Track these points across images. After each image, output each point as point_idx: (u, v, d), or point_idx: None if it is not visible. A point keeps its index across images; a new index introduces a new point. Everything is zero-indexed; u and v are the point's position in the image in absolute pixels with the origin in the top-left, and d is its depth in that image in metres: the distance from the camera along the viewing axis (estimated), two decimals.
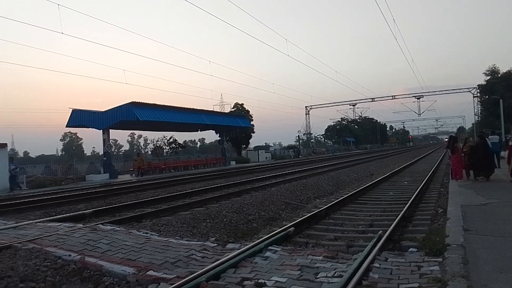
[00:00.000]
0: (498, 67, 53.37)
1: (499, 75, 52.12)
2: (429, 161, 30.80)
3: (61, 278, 5.07)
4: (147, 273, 4.85)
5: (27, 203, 14.08)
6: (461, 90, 60.76)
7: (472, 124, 69.89)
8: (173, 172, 32.42)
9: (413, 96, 63.82)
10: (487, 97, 53.40)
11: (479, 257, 4.66)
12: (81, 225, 8.29)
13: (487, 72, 53.91)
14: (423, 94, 62.73)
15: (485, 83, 54.54)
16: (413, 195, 11.29)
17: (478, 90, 57.11)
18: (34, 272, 5.12)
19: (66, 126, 31.31)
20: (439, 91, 63.22)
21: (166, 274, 4.80)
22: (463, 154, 13.78)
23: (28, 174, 26.54)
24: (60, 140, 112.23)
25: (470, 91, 58.92)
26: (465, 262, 4.48)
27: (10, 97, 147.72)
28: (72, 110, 30.12)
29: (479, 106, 59.36)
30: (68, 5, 38.08)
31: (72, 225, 8.35)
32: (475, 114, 60.52)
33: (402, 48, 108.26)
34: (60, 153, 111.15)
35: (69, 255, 5.68)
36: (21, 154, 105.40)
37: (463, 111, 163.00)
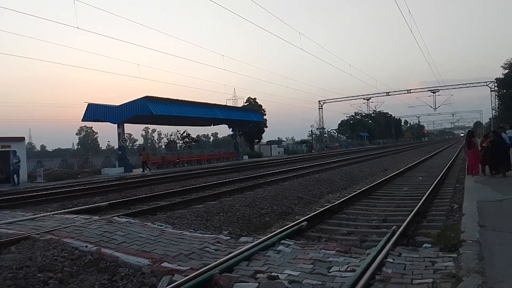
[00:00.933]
0: None
1: None
2: (445, 156, 30.37)
3: (78, 269, 5.18)
4: (161, 264, 4.93)
5: (44, 196, 14.39)
6: (478, 84, 59.55)
7: (490, 118, 68.56)
8: (187, 166, 32.67)
9: (429, 90, 62.79)
10: (505, 91, 52.25)
11: (495, 253, 4.60)
12: (97, 217, 8.45)
13: (505, 66, 52.63)
14: (439, 88, 61.68)
15: (503, 76, 53.29)
16: (428, 190, 11.17)
17: (496, 84, 55.89)
18: (52, 262, 5.25)
19: (82, 120, 31.82)
20: (456, 85, 62.12)
21: (180, 266, 4.86)
22: (480, 149, 13.55)
23: (45, 167, 27.02)
24: (76, 134, 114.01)
25: (487, 85, 57.74)
26: (481, 258, 4.43)
27: (27, 92, 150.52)
28: (88, 104, 30.53)
29: (496, 100, 58.11)
30: None
31: (88, 217, 8.52)
32: (492, 109, 59.30)
33: (417, 41, 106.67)
34: (76, 147, 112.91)
35: (86, 246, 5.80)
36: (38, 148, 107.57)
37: (480, 106, 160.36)
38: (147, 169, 28.47)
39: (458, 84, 61.97)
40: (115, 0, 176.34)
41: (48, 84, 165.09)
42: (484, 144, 13.43)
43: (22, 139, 24.73)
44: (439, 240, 5.97)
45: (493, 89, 56.86)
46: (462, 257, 4.59)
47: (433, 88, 62.06)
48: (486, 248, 4.81)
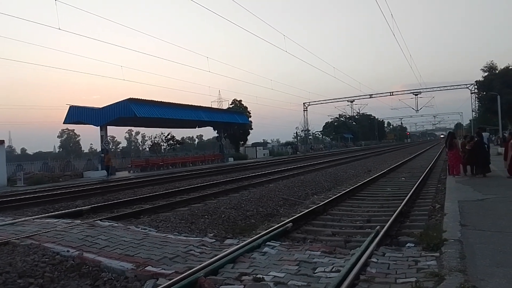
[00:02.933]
0: (496, 64, 53.37)
1: (497, 72, 52.11)
2: (427, 158, 30.86)
3: (60, 274, 5.06)
4: (145, 268, 4.86)
5: (24, 200, 14.06)
6: (459, 87, 60.70)
7: (470, 120, 70.07)
8: (171, 169, 32.40)
9: (411, 93, 63.71)
10: (484, 93, 53.40)
11: (476, 252, 4.68)
12: (79, 221, 8.28)
13: (485, 69, 53.90)
14: (421, 90, 62.67)
15: (482, 79, 54.53)
16: (410, 191, 11.32)
17: (476, 87, 57.10)
18: (33, 268, 5.12)
19: (64, 123, 31.33)
20: (437, 88, 63.22)
21: (165, 269, 4.81)
22: (461, 151, 13.81)
23: (26, 171, 26.45)
24: (58, 136, 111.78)
25: (468, 88, 58.90)
26: (462, 256, 4.51)
27: (8, 94, 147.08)
28: (70, 106, 30.09)
29: (476, 102, 59.39)
30: (65, 0, 37.79)
31: (70, 221, 8.35)
32: (472, 111, 60.53)
33: (400, 44, 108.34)
34: (57, 150, 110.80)
35: (68, 251, 5.69)
36: (18, 151, 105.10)
37: (461, 108, 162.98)
38: (108, 174, 26.92)
39: (439, 87, 63.17)
40: (98, 0, 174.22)
41: (29, 86, 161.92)
42: (467, 147, 13.67)
43: (1, 142, 24.19)
44: (422, 239, 6.04)
45: (473, 91, 58.05)
46: (444, 256, 4.66)
47: (415, 91, 62.99)
48: (468, 247, 4.89)
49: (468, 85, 58.90)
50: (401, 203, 9.32)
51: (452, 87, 61.93)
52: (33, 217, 9.48)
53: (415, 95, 63.30)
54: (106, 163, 27.47)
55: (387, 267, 4.60)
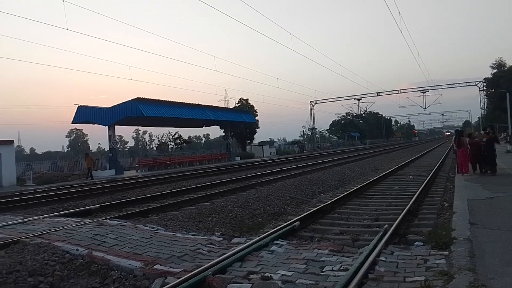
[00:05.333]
0: (504, 60, 53.05)
1: (506, 68, 51.68)
2: (435, 156, 30.64)
3: (69, 272, 5.12)
4: (154, 267, 4.89)
5: (34, 199, 14.20)
6: (467, 84, 60.21)
7: (478, 118, 69.40)
8: (178, 168, 32.52)
9: (419, 90, 63.31)
10: (493, 90, 52.95)
11: (486, 251, 4.64)
12: (88, 220, 8.36)
13: (494, 66, 53.49)
14: (429, 88, 62.22)
15: (491, 76, 54.11)
16: (418, 189, 11.26)
17: (485, 84, 56.65)
18: (42, 266, 5.17)
19: (72, 123, 31.51)
20: (445, 85, 62.73)
21: (173, 268, 4.83)
22: (470, 147, 13.69)
23: (35, 170, 26.70)
24: (66, 136, 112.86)
25: (476, 85, 58.39)
26: (472, 255, 4.47)
27: (16, 94, 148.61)
28: (78, 106, 30.28)
29: (485, 99, 58.90)
30: (73, 1, 38.10)
31: (79, 220, 8.43)
32: (481, 108, 60.01)
33: (407, 42, 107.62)
34: (66, 150, 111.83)
35: (77, 250, 5.74)
36: (27, 151, 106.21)
37: (469, 105, 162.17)
38: (90, 177, 24.85)
39: (447, 84, 62.66)
40: (105, 1, 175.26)
41: (37, 86, 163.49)
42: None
43: (11, 142, 24.43)
44: (431, 238, 6.02)
45: (482, 88, 57.56)
46: (453, 254, 4.63)
47: (422, 88, 62.58)
48: (477, 246, 4.85)
49: (476, 83, 58.40)
50: (409, 201, 9.27)
51: (460, 85, 61.36)
52: (43, 216, 9.58)
53: (423, 92, 62.87)
54: (88, 166, 25.59)
55: (396, 266, 4.59)
